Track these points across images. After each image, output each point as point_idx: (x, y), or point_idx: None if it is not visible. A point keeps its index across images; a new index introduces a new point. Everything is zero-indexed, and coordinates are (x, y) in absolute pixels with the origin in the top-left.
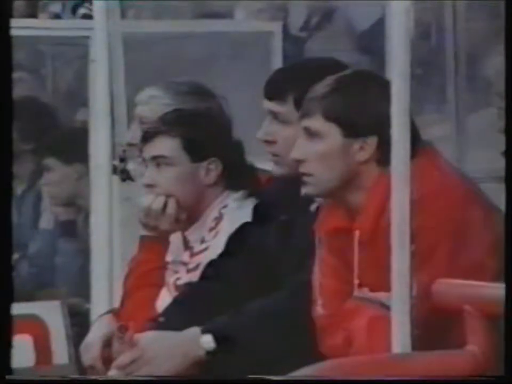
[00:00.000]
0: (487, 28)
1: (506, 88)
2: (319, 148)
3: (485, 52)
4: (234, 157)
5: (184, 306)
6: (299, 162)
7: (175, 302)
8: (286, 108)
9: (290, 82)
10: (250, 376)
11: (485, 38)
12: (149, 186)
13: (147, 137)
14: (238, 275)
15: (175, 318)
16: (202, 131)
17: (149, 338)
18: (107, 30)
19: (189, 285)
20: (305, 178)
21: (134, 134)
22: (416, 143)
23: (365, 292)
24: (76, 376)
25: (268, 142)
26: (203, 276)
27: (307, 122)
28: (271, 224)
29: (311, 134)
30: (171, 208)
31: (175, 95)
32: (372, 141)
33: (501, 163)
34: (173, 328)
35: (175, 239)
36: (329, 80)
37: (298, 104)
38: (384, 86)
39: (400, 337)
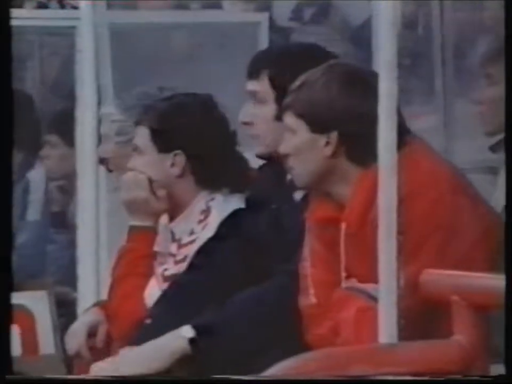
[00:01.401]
0: (474, 18)
1: (506, 88)
2: (295, 143)
3: (472, 42)
4: (208, 152)
5: (173, 303)
6: (285, 156)
7: (163, 298)
8: (261, 86)
9: (267, 61)
10: (246, 375)
11: (472, 29)
12: (128, 169)
13: (135, 125)
14: (228, 264)
15: (164, 318)
16: (171, 123)
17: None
18: (93, 21)
19: (177, 279)
20: (290, 172)
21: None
22: (403, 134)
23: (353, 283)
24: (75, 376)
25: (247, 124)
26: (192, 266)
27: (285, 118)
28: (261, 214)
29: (288, 129)
30: (143, 179)
31: (125, 110)
32: (333, 136)
33: (488, 154)
34: (163, 327)
35: (162, 230)
36: (302, 76)
37: (273, 82)
38: (358, 80)
39: (387, 327)
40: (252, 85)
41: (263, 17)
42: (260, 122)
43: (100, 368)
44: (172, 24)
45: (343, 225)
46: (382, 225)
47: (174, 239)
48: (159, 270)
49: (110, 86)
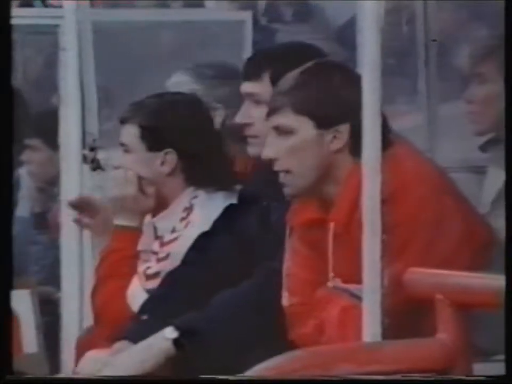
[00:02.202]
0: (458, 17)
1: (506, 88)
2: (291, 143)
3: (456, 41)
4: (197, 150)
5: (167, 298)
6: (272, 161)
7: (157, 294)
8: (262, 87)
9: (267, 61)
10: (247, 374)
11: (456, 28)
12: (116, 168)
13: (120, 124)
14: (221, 260)
15: (154, 314)
16: (161, 121)
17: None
18: (77, 19)
19: (170, 275)
20: (282, 178)
21: None
22: (387, 134)
23: (337, 282)
24: (76, 376)
25: (246, 125)
26: (184, 261)
27: (276, 119)
28: (252, 211)
29: (281, 130)
30: (132, 175)
31: (203, 80)
32: (345, 129)
33: (472, 153)
34: (154, 323)
35: (146, 228)
36: (292, 74)
37: (274, 82)
38: (349, 74)
39: (371, 326)
40: (250, 87)
41: (247, 16)
42: (259, 124)
43: (92, 358)
44: (156, 23)
45: (332, 225)
46: (366, 224)
47: (156, 237)
48: (141, 268)
49: (93, 85)
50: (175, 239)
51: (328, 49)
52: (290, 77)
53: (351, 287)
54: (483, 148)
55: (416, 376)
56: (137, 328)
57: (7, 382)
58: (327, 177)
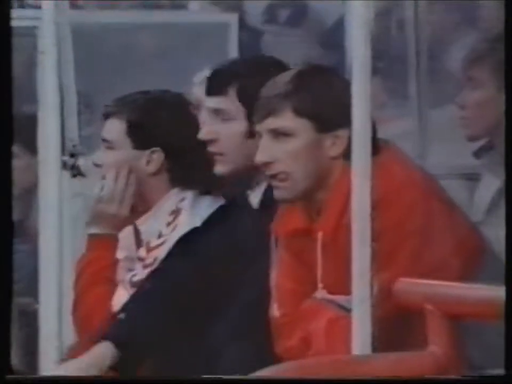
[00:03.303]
0: (448, 21)
1: (506, 88)
2: (291, 146)
3: (447, 45)
4: (184, 150)
5: (143, 299)
6: (266, 165)
7: (133, 297)
8: (228, 103)
9: (232, 76)
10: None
11: (446, 31)
12: (97, 165)
13: (103, 118)
14: (202, 262)
15: (136, 313)
16: (150, 118)
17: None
18: (56, 21)
19: (147, 277)
20: (276, 182)
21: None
22: (376, 139)
23: (323, 294)
24: (75, 376)
25: (210, 141)
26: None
27: (274, 122)
28: (234, 217)
29: (278, 133)
30: (120, 183)
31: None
32: (343, 134)
33: (465, 160)
34: (134, 323)
35: (126, 235)
36: (287, 77)
37: (241, 97)
38: (342, 79)
39: (360, 338)
40: (215, 102)
41: (232, 18)
42: (225, 140)
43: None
44: (138, 25)
45: (320, 234)
46: (355, 232)
47: (141, 242)
48: (126, 276)
49: (73, 89)
50: (162, 244)
51: (316, 52)
52: (285, 79)
53: (338, 298)
54: (477, 154)
55: (416, 376)
56: (116, 328)
57: (7, 382)
58: (321, 183)
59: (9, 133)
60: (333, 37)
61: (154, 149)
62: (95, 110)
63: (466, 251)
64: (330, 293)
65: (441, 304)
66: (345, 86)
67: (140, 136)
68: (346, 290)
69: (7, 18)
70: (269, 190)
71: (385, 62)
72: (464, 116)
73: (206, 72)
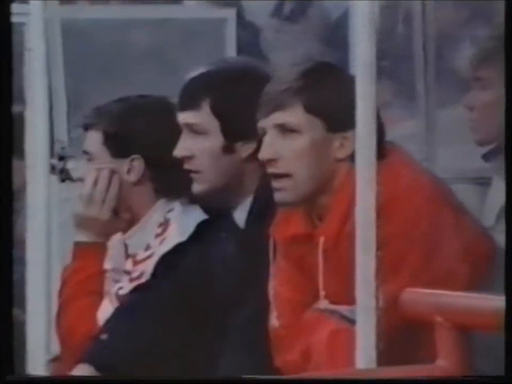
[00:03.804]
0: (458, 16)
1: (506, 89)
2: (297, 144)
3: (456, 42)
4: (168, 157)
5: (129, 318)
6: (269, 162)
7: (114, 314)
8: (201, 117)
9: (204, 89)
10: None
11: (456, 28)
12: (79, 179)
13: (83, 130)
14: (187, 280)
15: (120, 333)
16: (126, 126)
17: None
18: (44, 17)
19: (133, 294)
20: (278, 184)
21: None
22: (383, 142)
23: (325, 304)
24: (75, 376)
25: (186, 158)
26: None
27: (282, 117)
28: (222, 228)
29: (285, 129)
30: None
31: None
32: (352, 136)
33: (473, 163)
34: (118, 342)
35: (115, 244)
36: (295, 73)
37: (216, 112)
38: (351, 77)
39: (364, 351)
40: (188, 117)
41: (230, 14)
42: (201, 156)
43: None
44: (131, 21)
45: (322, 240)
46: (359, 239)
47: (128, 254)
48: (113, 289)
49: (62, 88)
50: (149, 256)
51: (318, 50)
52: (293, 75)
53: (341, 308)
54: (486, 157)
55: (416, 376)
56: (97, 350)
57: (7, 382)
58: (325, 186)
59: (9, 133)
60: (336, 34)
61: (134, 156)
62: (85, 111)
63: (476, 257)
64: (333, 302)
65: (451, 315)
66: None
67: (117, 145)
68: (350, 300)
69: (7, 14)
70: (254, 207)
71: (391, 60)
72: (472, 119)
73: (199, 71)
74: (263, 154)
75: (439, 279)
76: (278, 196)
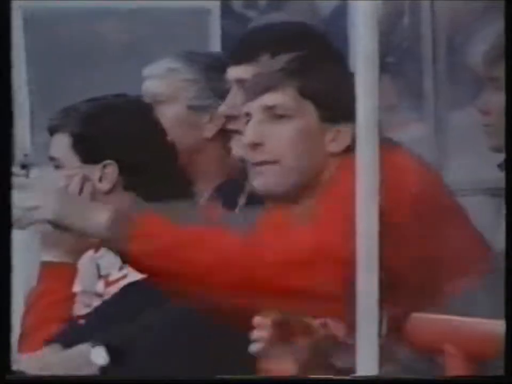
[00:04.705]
0: (471, 7)
1: (506, 89)
2: (287, 129)
3: (470, 35)
4: (146, 163)
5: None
6: (253, 147)
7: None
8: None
9: (267, 40)
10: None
11: (468, 19)
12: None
13: (49, 134)
14: None
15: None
16: (97, 128)
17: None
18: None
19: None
20: (263, 170)
21: None
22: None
23: None
24: (75, 376)
25: (232, 118)
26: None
27: (273, 98)
28: None
29: (276, 112)
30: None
31: (200, 70)
32: (347, 130)
33: (488, 172)
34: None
35: (85, 264)
36: (291, 56)
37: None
38: (348, 68)
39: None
40: (243, 71)
41: (213, 5)
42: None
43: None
44: (103, 11)
45: None
46: (360, 259)
47: (100, 275)
48: (83, 313)
49: (24, 87)
50: (124, 276)
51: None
52: (289, 57)
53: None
54: (503, 166)
55: (416, 376)
56: (72, 333)
57: (7, 382)
58: (313, 181)
59: (9, 131)
60: (332, 25)
61: (106, 162)
62: (51, 112)
63: (474, 264)
64: None
65: (463, 343)
66: (351, 77)
67: (88, 149)
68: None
69: (7, 11)
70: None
71: (396, 56)
72: (487, 123)
73: (168, 64)
74: (250, 139)
75: (450, 301)
76: (260, 185)
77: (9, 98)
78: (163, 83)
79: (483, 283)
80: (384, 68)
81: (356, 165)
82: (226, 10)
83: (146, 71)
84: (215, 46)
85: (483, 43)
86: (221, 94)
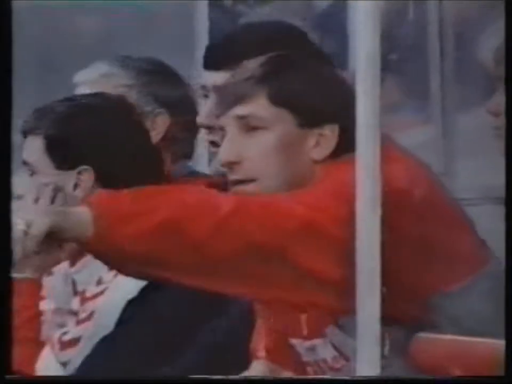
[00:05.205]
0: (481, 0)
1: (506, 90)
2: (263, 141)
3: (479, 31)
4: (124, 169)
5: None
6: (231, 166)
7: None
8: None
9: (243, 44)
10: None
11: (479, 12)
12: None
13: (22, 137)
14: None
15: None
16: (73, 129)
17: None
18: None
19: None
20: (238, 187)
21: None
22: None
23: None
24: (75, 376)
25: (208, 128)
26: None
27: (243, 110)
28: None
29: (249, 126)
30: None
31: (137, 74)
32: (331, 133)
33: (500, 178)
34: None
35: (59, 280)
36: (261, 61)
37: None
38: (330, 64)
39: None
40: (221, 78)
41: None
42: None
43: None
44: (77, 5)
45: None
46: (361, 274)
47: (76, 291)
48: (55, 334)
49: None
50: (101, 292)
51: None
52: (259, 63)
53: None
54: None
55: (416, 376)
56: None
57: (7, 382)
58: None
59: (9, 128)
60: (331, 21)
61: (82, 168)
62: (18, 114)
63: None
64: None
65: (471, 365)
66: (334, 73)
67: (62, 153)
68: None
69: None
70: None
71: (400, 53)
72: (497, 126)
73: (101, 70)
74: (226, 157)
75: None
76: None
77: (9, 98)
78: (95, 89)
79: (481, 288)
80: (387, 65)
81: (356, 165)
82: (212, 3)
83: (77, 77)
84: (202, 41)
85: (494, 39)
86: (162, 100)
